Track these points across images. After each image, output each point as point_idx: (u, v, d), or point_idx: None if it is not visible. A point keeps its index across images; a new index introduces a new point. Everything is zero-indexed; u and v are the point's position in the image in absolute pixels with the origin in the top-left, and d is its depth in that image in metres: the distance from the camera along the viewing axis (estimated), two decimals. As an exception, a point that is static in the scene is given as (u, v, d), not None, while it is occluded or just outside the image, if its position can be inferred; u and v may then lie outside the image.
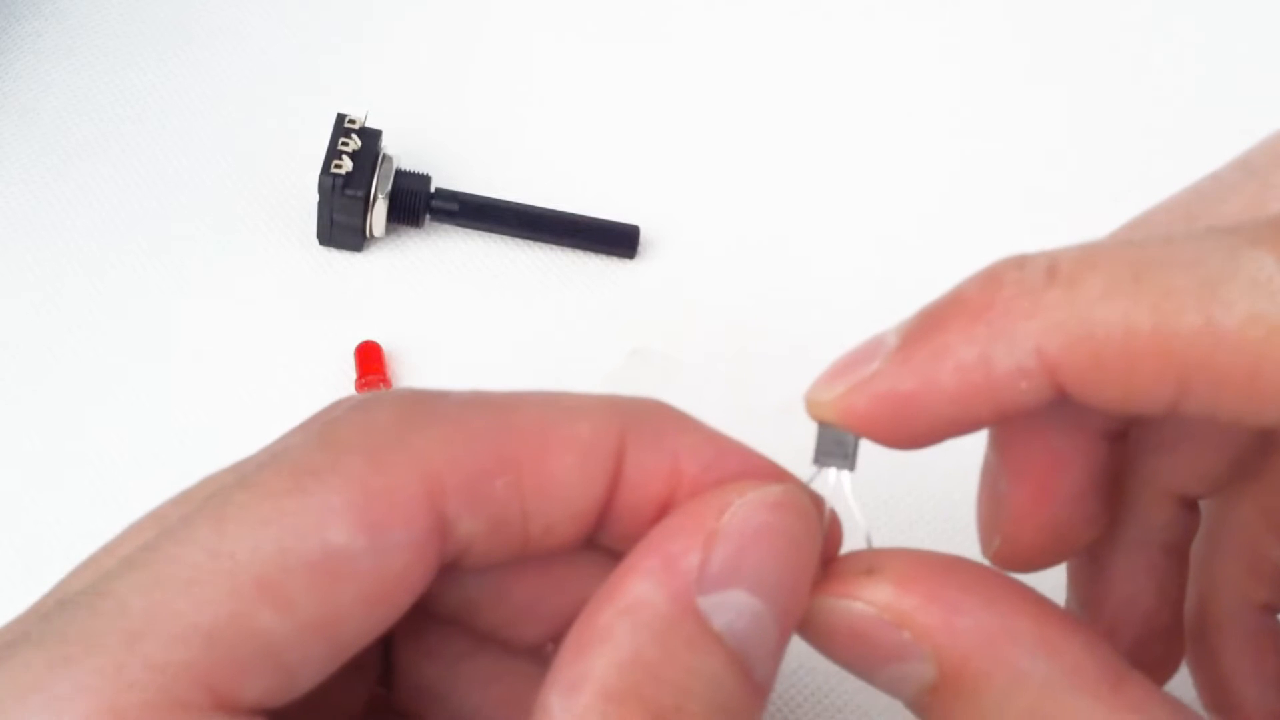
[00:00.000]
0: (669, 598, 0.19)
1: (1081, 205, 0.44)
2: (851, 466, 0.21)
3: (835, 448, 0.21)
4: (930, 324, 0.20)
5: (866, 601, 0.20)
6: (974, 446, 0.23)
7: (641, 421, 0.21)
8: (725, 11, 0.49)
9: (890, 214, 0.44)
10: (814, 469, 0.21)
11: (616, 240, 0.41)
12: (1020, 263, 0.19)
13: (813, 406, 0.21)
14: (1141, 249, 0.18)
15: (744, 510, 0.20)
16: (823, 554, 0.21)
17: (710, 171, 0.44)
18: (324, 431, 0.20)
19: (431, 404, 0.20)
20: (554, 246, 0.41)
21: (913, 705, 0.20)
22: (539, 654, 0.23)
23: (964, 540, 0.24)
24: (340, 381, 0.38)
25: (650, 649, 0.18)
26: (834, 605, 0.20)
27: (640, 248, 0.41)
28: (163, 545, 0.18)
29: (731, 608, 0.19)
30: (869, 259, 0.42)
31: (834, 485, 0.21)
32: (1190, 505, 0.24)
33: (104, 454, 0.36)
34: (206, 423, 0.37)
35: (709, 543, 0.19)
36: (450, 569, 0.20)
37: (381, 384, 0.37)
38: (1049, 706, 0.19)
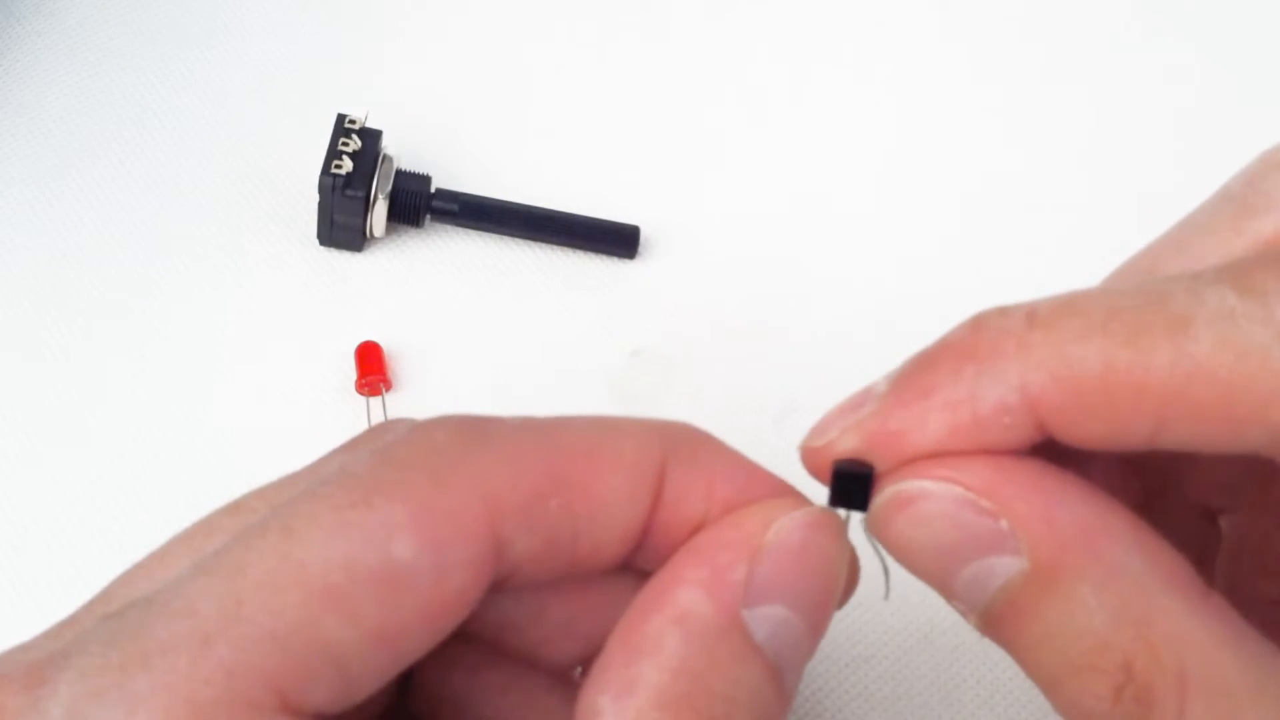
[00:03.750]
0: (717, 609, 0.20)
1: (1083, 206, 0.44)
2: (865, 508, 0.21)
3: (849, 492, 0.21)
4: (918, 368, 0.20)
5: (965, 485, 0.20)
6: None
7: (679, 443, 0.22)
8: (725, 12, 0.49)
9: (890, 214, 0.44)
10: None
11: (616, 240, 0.41)
12: (1002, 310, 0.20)
13: (808, 455, 0.21)
14: (1114, 294, 0.19)
15: (787, 527, 0.20)
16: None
17: (710, 172, 0.44)
18: (385, 451, 0.20)
19: (486, 427, 0.21)
20: (554, 247, 0.41)
21: (988, 613, 0.20)
22: (557, 669, 0.23)
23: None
24: (340, 381, 0.38)
25: (700, 659, 0.19)
26: (929, 488, 0.20)
27: (640, 248, 0.41)
28: (233, 551, 0.19)
29: (772, 620, 0.20)
30: (869, 259, 0.42)
31: (849, 526, 0.21)
32: (1211, 519, 0.24)
33: (105, 454, 0.36)
34: (207, 423, 0.37)
35: (755, 557, 0.20)
36: (494, 587, 0.20)
37: (381, 384, 0.37)
38: (1142, 605, 0.19)
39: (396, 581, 0.19)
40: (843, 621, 0.34)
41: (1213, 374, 0.18)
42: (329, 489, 0.19)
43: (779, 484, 0.22)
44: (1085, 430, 0.19)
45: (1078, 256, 0.43)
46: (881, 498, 0.20)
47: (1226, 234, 0.22)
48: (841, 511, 0.21)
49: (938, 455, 0.20)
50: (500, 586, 0.21)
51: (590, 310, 0.40)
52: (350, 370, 0.38)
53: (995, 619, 0.20)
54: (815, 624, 0.20)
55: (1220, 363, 0.18)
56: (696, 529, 0.21)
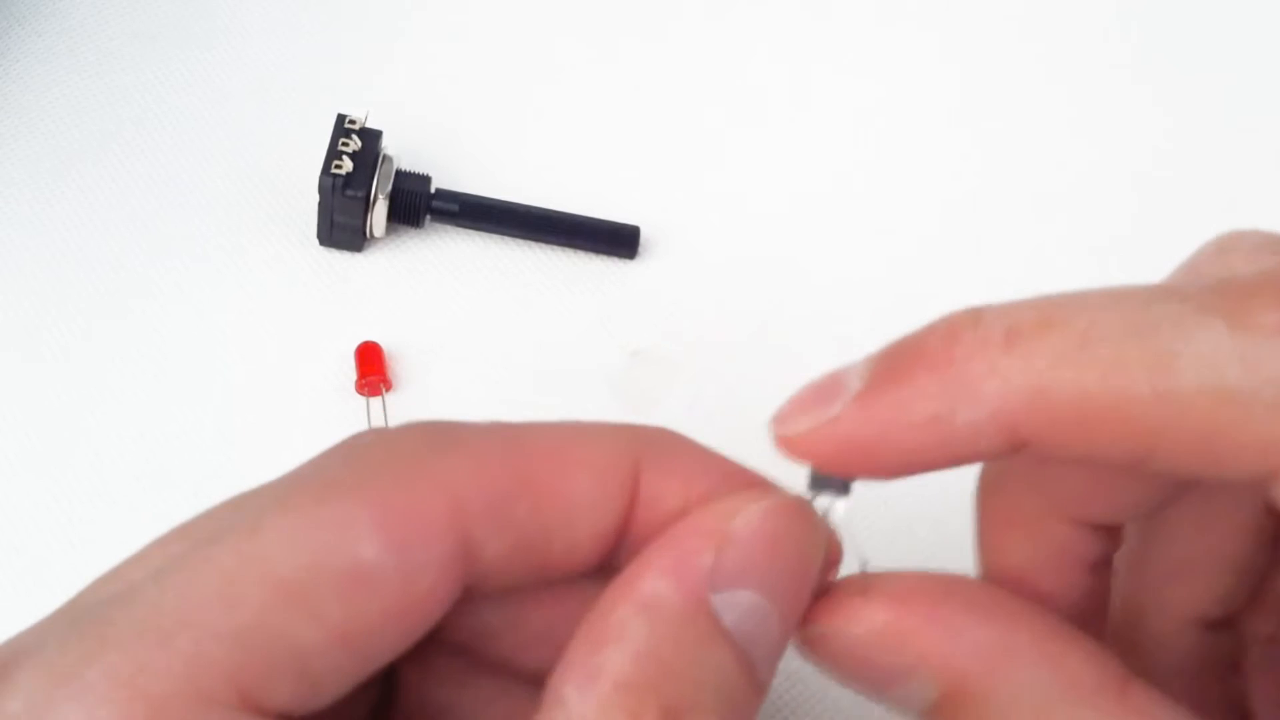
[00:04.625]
0: (684, 595, 0.19)
1: (1083, 207, 0.44)
2: (846, 492, 0.21)
3: (829, 478, 0.21)
4: (891, 373, 0.20)
5: (865, 626, 0.20)
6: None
7: (654, 446, 0.22)
8: (726, 12, 0.49)
9: (890, 215, 0.44)
10: (810, 495, 0.22)
11: (617, 241, 0.41)
12: (976, 319, 0.19)
13: (778, 440, 0.21)
14: (1097, 312, 0.19)
15: (755, 514, 0.20)
16: (823, 569, 0.21)
17: (710, 172, 0.44)
18: (351, 455, 0.20)
19: (453, 432, 0.21)
20: (554, 247, 0.41)
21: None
22: (541, 678, 0.23)
23: (959, 556, 0.24)
24: (340, 381, 0.38)
25: (665, 644, 0.19)
26: (834, 631, 0.21)
27: (640, 248, 0.41)
28: (198, 551, 0.19)
29: (740, 606, 0.20)
30: (869, 259, 0.42)
31: (829, 513, 0.21)
32: (1109, 529, 0.24)
33: (105, 454, 0.36)
34: (207, 423, 0.37)
35: (722, 543, 0.20)
36: (470, 593, 0.20)
37: (381, 384, 0.37)
38: (1051, 718, 0.19)
39: (361, 582, 0.19)
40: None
41: (1195, 416, 0.18)
42: (295, 492, 0.20)
43: (757, 479, 0.22)
44: (1063, 452, 0.19)
45: (1078, 257, 0.43)
46: (801, 634, 0.21)
47: None
48: (823, 499, 0.21)
49: (835, 594, 0.21)
50: (476, 592, 0.21)
51: (590, 310, 0.40)
52: (350, 370, 0.38)
53: None
54: (787, 609, 0.20)
55: (1203, 406, 0.17)
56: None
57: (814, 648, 0.21)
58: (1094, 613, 0.23)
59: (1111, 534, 0.23)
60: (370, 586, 0.19)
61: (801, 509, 0.21)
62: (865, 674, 0.21)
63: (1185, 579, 0.24)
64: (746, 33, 0.48)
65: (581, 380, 0.39)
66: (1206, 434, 0.18)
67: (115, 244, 0.40)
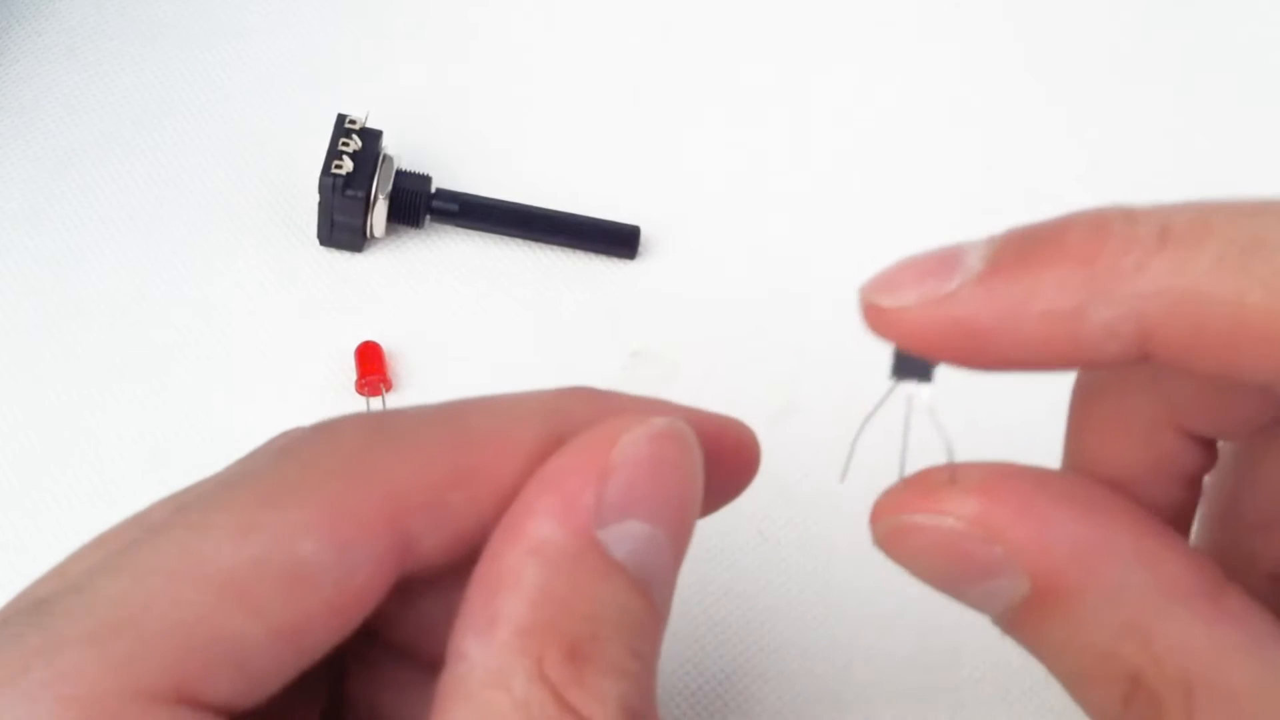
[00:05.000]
0: (571, 534, 0.19)
1: (1083, 205, 0.44)
2: (929, 378, 0.20)
3: (914, 363, 0.20)
4: (1024, 257, 0.18)
5: (956, 516, 0.19)
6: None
7: (578, 412, 0.22)
8: (726, 12, 0.49)
9: (891, 215, 0.44)
10: (891, 383, 0.20)
11: (617, 241, 0.41)
12: (1131, 216, 0.18)
13: (872, 313, 0.20)
14: (1259, 218, 0.17)
15: (631, 443, 0.20)
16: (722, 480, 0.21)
17: (710, 172, 0.44)
18: (291, 450, 0.20)
19: (388, 423, 0.21)
20: (554, 247, 0.41)
21: (1002, 621, 0.20)
22: None
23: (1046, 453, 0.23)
24: (340, 381, 0.38)
25: (559, 584, 0.19)
26: (922, 521, 0.20)
27: (640, 248, 0.41)
28: (139, 549, 0.19)
29: (630, 537, 0.20)
30: (869, 259, 0.42)
31: (913, 400, 0.20)
32: (1208, 444, 0.22)
33: (104, 454, 0.36)
34: (206, 423, 0.37)
35: (602, 477, 0.20)
36: (407, 586, 0.20)
37: (381, 384, 0.37)
38: (1146, 618, 0.19)
39: (301, 579, 0.19)
40: (843, 620, 0.34)
41: None
42: (234, 490, 0.20)
43: (672, 407, 0.22)
44: (1198, 365, 0.18)
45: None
46: (881, 528, 0.20)
47: None
48: (906, 385, 0.20)
49: (926, 489, 0.20)
50: (414, 582, 0.21)
51: (590, 310, 0.40)
52: (350, 370, 0.38)
53: (1009, 628, 0.20)
54: (676, 534, 0.20)
55: None
56: None
57: (898, 540, 0.20)
58: (1181, 528, 0.22)
59: (1211, 448, 0.22)
60: (310, 583, 0.19)
61: (675, 430, 0.21)
62: (951, 568, 0.20)
63: (1276, 529, 0.22)
64: (746, 33, 0.48)
65: (581, 380, 0.38)
66: None
67: (115, 244, 0.40)
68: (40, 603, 0.19)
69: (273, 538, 0.19)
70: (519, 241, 0.41)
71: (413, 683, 0.23)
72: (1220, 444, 0.22)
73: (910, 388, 0.20)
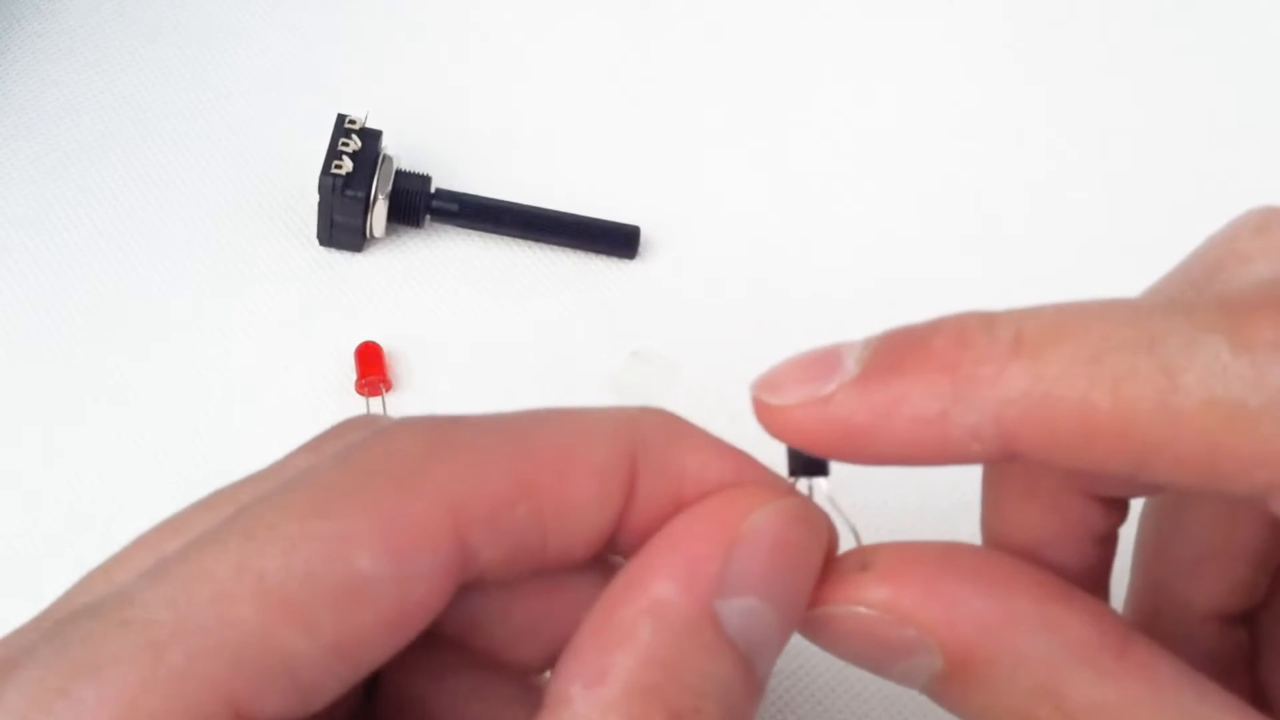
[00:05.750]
0: (690, 601, 0.20)
1: (1083, 209, 0.44)
2: (825, 473, 0.21)
3: (808, 459, 0.21)
4: (893, 362, 0.20)
5: (868, 604, 0.20)
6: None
7: (651, 435, 0.22)
8: (726, 13, 0.49)
9: (891, 215, 0.44)
10: (790, 478, 0.22)
11: (617, 241, 0.41)
12: (990, 323, 0.19)
13: (760, 410, 0.21)
14: (1105, 325, 0.18)
15: (765, 520, 0.20)
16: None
17: (710, 171, 0.44)
18: (350, 456, 0.20)
19: (452, 432, 0.20)
20: (554, 247, 0.41)
21: (927, 693, 0.21)
22: (521, 675, 0.23)
23: (959, 524, 0.24)
24: (340, 381, 0.38)
25: (670, 650, 0.19)
26: (837, 611, 0.21)
27: (640, 248, 0.41)
28: (190, 558, 0.19)
29: (745, 613, 0.20)
30: (869, 259, 0.42)
31: (812, 492, 0.22)
32: (1118, 501, 0.24)
33: (104, 454, 0.36)
34: (206, 423, 0.37)
35: (731, 550, 0.20)
36: (461, 591, 0.20)
37: (381, 384, 0.37)
38: (1055, 682, 0.19)
39: (356, 593, 0.18)
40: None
41: (1197, 431, 0.18)
42: (291, 495, 0.19)
43: (754, 466, 0.22)
44: (1058, 462, 0.19)
45: (1079, 258, 0.43)
46: (803, 620, 0.21)
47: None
48: (803, 481, 0.21)
49: (837, 582, 0.21)
50: (466, 590, 0.20)
51: (590, 310, 0.40)
52: (350, 370, 0.38)
53: (935, 698, 0.21)
54: (789, 616, 0.20)
55: (1206, 422, 0.17)
56: (669, 516, 0.21)
57: (816, 629, 0.21)
58: (1096, 585, 0.23)
59: (1120, 506, 0.23)
60: (365, 597, 0.19)
61: (809, 514, 0.21)
62: (869, 651, 0.21)
63: (1204, 573, 0.23)
64: (746, 33, 0.48)
65: (581, 380, 0.39)
66: (1208, 448, 0.18)
67: (115, 244, 0.40)
68: (87, 610, 0.18)
69: (327, 549, 0.18)
70: (519, 241, 0.41)
71: (452, 673, 0.23)
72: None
73: (808, 482, 0.21)
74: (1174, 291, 0.23)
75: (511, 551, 0.20)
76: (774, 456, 0.22)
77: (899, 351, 0.20)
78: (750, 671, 0.20)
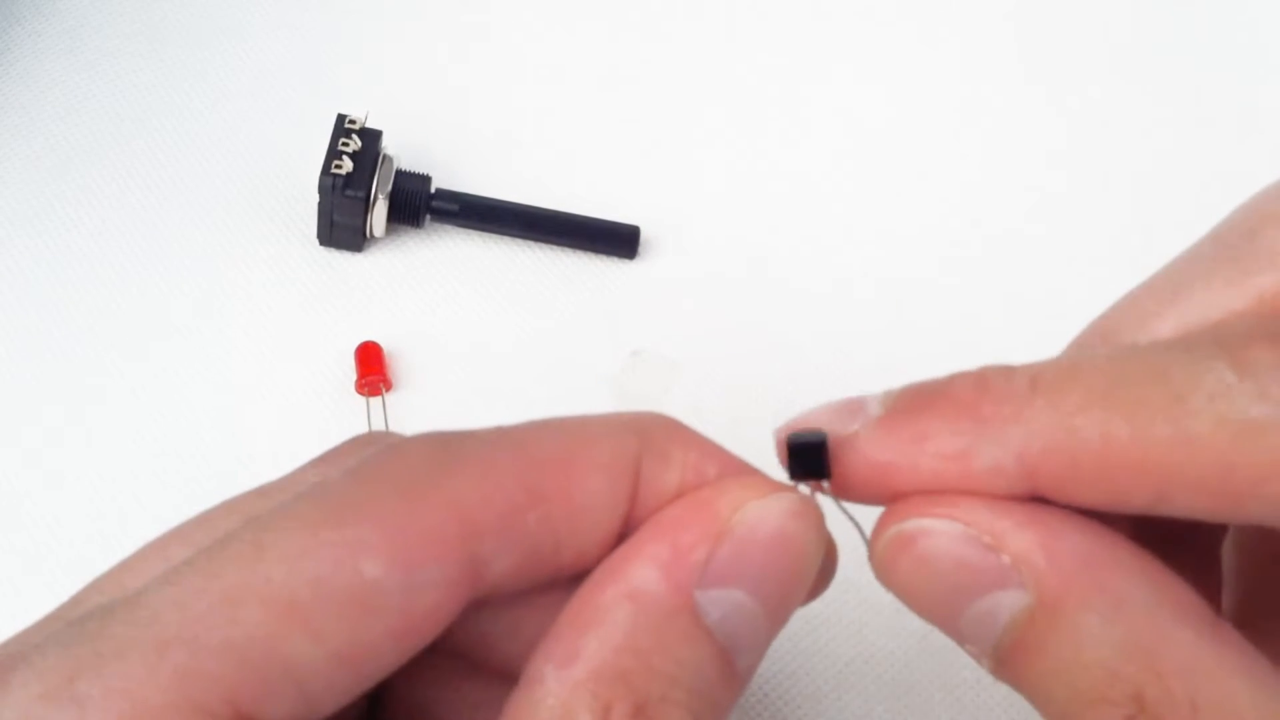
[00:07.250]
0: (670, 589, 0.19)
1: (1083, 210, 0.44)
2: (828, 476, 0.21)
3: (808, 462, 0.21)
4: (917, 405, 0.20)
5: (967, 521, 0.20)
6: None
7: (651, 435, 0.22)
8: (726, 13, 0.49)
9: (891, 215, 0.44)
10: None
11: (617, 241, 0.41)
12: (1008, 372, 0.20)
13: (783, 451, 0.21)
14: (1117, 363, 0.19)
15: (756, 513, 0.20)
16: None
17: (710, 172, 0.44)
18: (359, 468, 0.20)
19: (460, 444, 0.21)
20: (554, 247, 0.41)
21: (1000, 647, 0.20)
22: None
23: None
24: (340, 381, 0.38)
25: (645, 635, 0.19)
26: (930, 526, 0.20)
27: (640, 248, 0.41)
28: (199, 563, 0.19)
29: (726, 604, 0.20)
30: (869, 260, 0.42)
31: (816, 493, 0.21)
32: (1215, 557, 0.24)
33: (104, 454, 0.36)
34: (206, 423, 0.37)
35: (717, 541, 0.20)
36: (472, 603, 0.20)
37: (381, 384, 0.37)
38: (1150, 634, 0.19)
39: (364, 602, 0.19)
40: (842, 620, 0.34)
41: (1211, 451, 0.18)
42: (301, 505, 0.19)
43: (749, 469, 0.22)
44: (1080, 497, 0.19)
45: (1079, 258, 0.43)
46: (884, 538, 0.20)
47: (1223, 288, 0.21)
48: (803, 486, 0.21)
49: (933, 493, 0.20)
50: (479, 601, 0.20)
51: (590, 310, 0.40)
52: (350, 370, 0.38)
53: (1005, 656, 0.20)
54: (775, 612, 0.20)
55: (1218, 440, 0.18)
56: None
57: (902, 548, 0.20)
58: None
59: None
60: (373, 606, 0.19)
61: (804, 509, 0.21)
62: (955, 580, 0.20)
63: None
64: (746, 33, 0.48)
65: (581, 380, 0.39)
66: (1223, 468, 0.18)
67: (115, 243, 0.40)
68: (94, 612, 0.19)
69: (336, 556, 0.18)
70: (519, 241, 0.41)
71: (458, 681, 0.23)
72: None
73: (810, 485, 0.21)
74: (1207, 255, 0.22)
75: (524, 559, 0.20)
76: (775, 458, 0.22)
77: (921, 396, 0.20)
78: (729, 665, 0.20)
